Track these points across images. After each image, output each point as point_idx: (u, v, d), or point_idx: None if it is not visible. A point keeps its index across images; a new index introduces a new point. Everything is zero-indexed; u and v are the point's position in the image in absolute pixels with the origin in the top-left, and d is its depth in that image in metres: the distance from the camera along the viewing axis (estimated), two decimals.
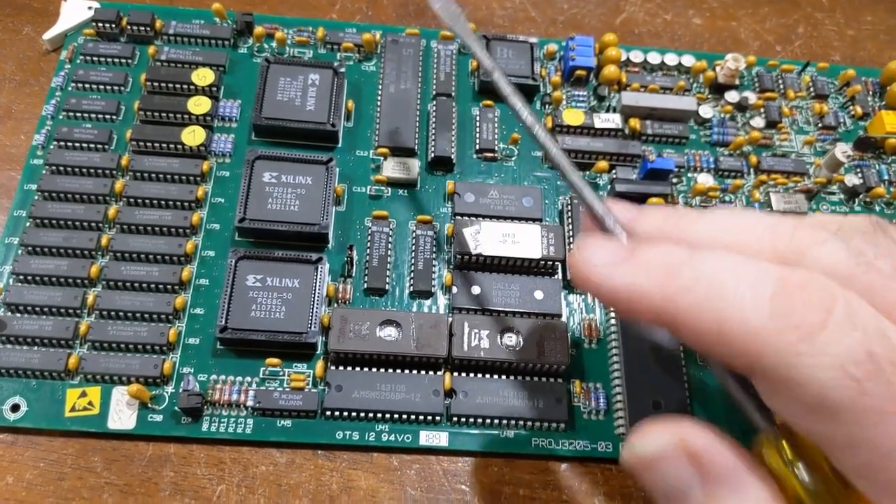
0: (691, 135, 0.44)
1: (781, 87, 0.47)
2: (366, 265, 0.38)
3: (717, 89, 0.46)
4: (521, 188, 0.41)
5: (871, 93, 0.47)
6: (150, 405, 0.34)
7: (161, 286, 0.36)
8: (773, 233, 0.21)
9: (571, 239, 0.40)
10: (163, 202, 0.38)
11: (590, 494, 0.35)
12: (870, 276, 0.19)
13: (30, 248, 0.36)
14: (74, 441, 0.34)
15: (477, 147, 0.42)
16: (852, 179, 0.44)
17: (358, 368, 0.35)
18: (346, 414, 0.35)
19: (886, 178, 0.44)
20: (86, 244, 0.36)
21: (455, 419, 0.35)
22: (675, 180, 0.43)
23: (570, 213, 0.40)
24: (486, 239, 0.38)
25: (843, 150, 0.43)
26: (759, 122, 0.45)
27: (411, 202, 0.40)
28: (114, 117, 0.40)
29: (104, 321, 0.35)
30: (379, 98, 0.42)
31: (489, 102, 0.43)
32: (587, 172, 0.43)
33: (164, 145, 0.39)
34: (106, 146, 0.39)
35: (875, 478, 0.18)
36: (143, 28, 0.42)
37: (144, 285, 0.36)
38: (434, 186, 0.41)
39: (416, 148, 0.41)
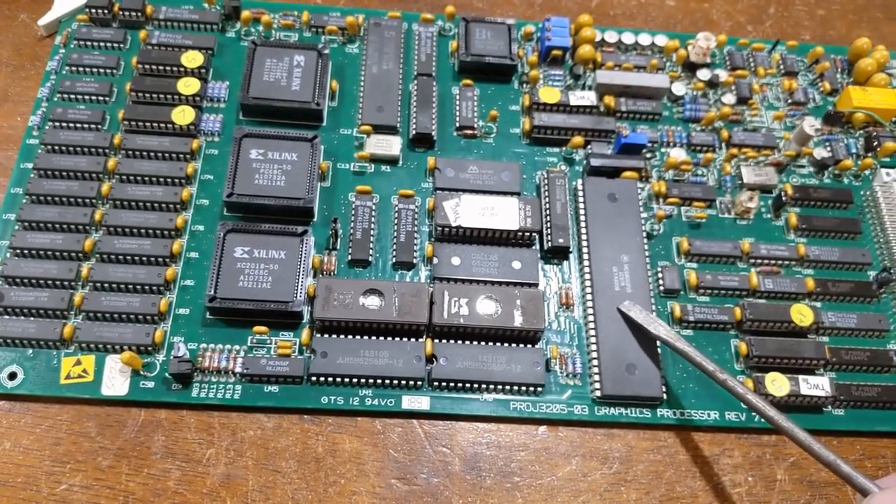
0: (664, 111, 0.44)
1: (752, 64, 0.46)
2: (350, 238, 0.38)
3: (690, 67, 0.45)
4: (500, 163, 0.40)
5: (839, 70, 0.47)
6: (142, 372, 0.34)
7: (152, 259, 0.36)
8: None
9: (548, 212, 0.39)
10: (154, 179, 0.37)
11: (567, 456, 0.35)
12: None
13: (26, 224, 0.36)
14: (69, 407, 0.34)
15: (457, 124, 0.42)
16: (821, 153, 0.43)
17: (342, 336, 0.35)
18: (331, 379, 0.34)
19: (854, 151, 0.44)
20: (80, 219, 0.36)
21: (436, 384, 0.35)
22: (648, 154, 0.42)
23: (546, 188, 0.40)
24: (466, 211, 0.38)
25: (811, 125, 0.43)
26: (730, 98, 0.44)
27: (394, 178, 0.40)
28: (106, 99, 0.40)
29: (98, 292, 0.35)
30: (362, 78, 0.42)
31: (468, 82, 0.43)
32: (563, 148, 0.42)
33: (155, 125, 0.39)
34: (99, 126, 0.39)
35: None
36: (134, 13, 0.42)
37: (136, 258, 0.36)
38: (416, 162, 0.41)
39: (399, 126, 0.41)
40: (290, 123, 0.40)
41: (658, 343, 0.36)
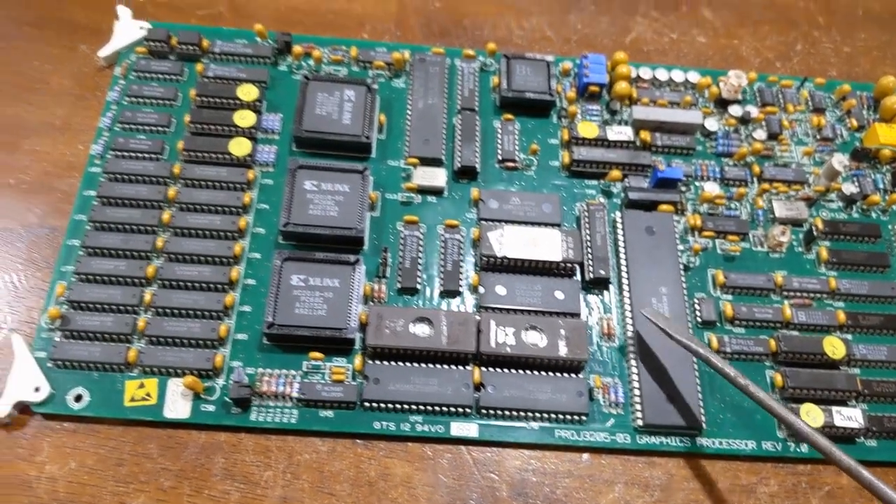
0: (698, 146, 0.45)
1: (781, 101, 0.47)
2: (399, 266, 0.39)
3: (722, 103, 0.46)
4: (541, 195, 0.41)
5: (865, 106, 0.48)
6: (202, 396, 0.35)
7: (212, 285, 0.37)
8: None
9: (589, 243, 0.40)
10: (212, 208, 0.39)
11: (609, 483, 0.35)
12: None
13: (90, 250, 0.37)
14: (132, 429, 0.35)
15: (499, 157, 0.43)
16: (849, 188, 0.44)
17: (393, 363, 0.36)
18: (382, 405, 0.35)
19: (881, 186, 0.45)
20: (142, 246, 0.37)
21: (484, 411, 0.36)
22: (683, 188, 0.43)
23: (587, 220, 0.41)
24: (510, 242, 0.39)
25: (840, 161, 0.44)
26: (761, 134, 0.46)
27: (439, 208, 0.41)
28: (166, 129, 0.41)
29: (160, 317, 0.36)
30: (408, 112, 0.43)
31: (510, 116, 0.44)
32: (601, 181, 0.43)
33: (212, 155, 0.40)
34: (159, 156, 0.40)
35: None
36: (191, 47, 0.43)
37: (197, 284, 0.37)
38: (460, 193, 0.42)
39: (443, 158, 0.42)
40: (340, 155, 0.41)
41: (696, 373, 0.37)
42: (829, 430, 0.37)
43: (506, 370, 0.36)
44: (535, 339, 0.37)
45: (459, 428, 0.35)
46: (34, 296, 0.37)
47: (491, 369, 0.36)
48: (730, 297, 0.40)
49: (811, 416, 0.37)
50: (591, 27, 0.50)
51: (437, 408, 0.35)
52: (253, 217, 0.39)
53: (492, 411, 0.36)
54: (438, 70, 0.44)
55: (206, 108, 0.41)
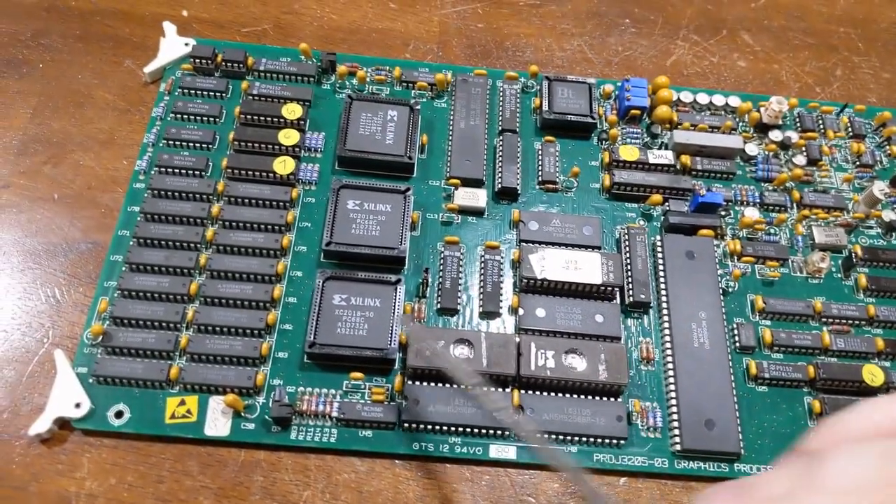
0: (738, 171, 0.44)
1: (821, 127, 0.47)
2: (439, 287, 0.39)
3: (762, 129, 0.46)
4: (581, 217, 0.41)
5: None
6: (243, 414, 0.35)
7: (254, 303, 0.37)
8: None
9: (629, 267, 0.40)
10: (255, 225, 0.38)
11: None
12: None
13: (134, 266, 0.37)
14: (172, 446, 0.34)
15: (539, 179, 0.43)
16: (889, 215, 0.43)
17: (433, 384, 0.36)
18: (422, 426, 0.35)
19: None
20: (185, 263, 0.37)
21: (523, 434, 0.35)
22: (723, 213, 0.43)
23: (627, 243, 0.41)
24: (551, 265, 0.39)
25: (880, 188, 0.43)
26: (800, 159, 0.45)
27: (480, 229, 0.41)
28: (210, 146, 0.41)
29: (202, 335, 0.36)
30: (450, 133, 0.43)
31: (551, 138, 0.44)
32: (641, 204, 0.43)
33: (256, 173, 0.40)
34: (203, 173, 0.40)
35: None
36: (236, 64, 0.43)
37: (239, 302, 0.36)
38: (500, 214, 0.42)
39: (484, 179, 0.42)
40: (382, 174, 0.41)
41: (735, 399, 0.37)
42: None
43: (545, 393, 0.36)
44: (575, 363, 0.36)
45: (498, 450, 0.35)
46: (77, 311, 0.37)
47: (530, 392, 0.36)
48: (769, 322, 0.40)
49: None
50: (632, 50, 0.50)
51: (476, 430, 0.35)
52: (295, 235, 0.39)
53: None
54: (480, 91, 0.44)
55: (250, 125, 0.41)
